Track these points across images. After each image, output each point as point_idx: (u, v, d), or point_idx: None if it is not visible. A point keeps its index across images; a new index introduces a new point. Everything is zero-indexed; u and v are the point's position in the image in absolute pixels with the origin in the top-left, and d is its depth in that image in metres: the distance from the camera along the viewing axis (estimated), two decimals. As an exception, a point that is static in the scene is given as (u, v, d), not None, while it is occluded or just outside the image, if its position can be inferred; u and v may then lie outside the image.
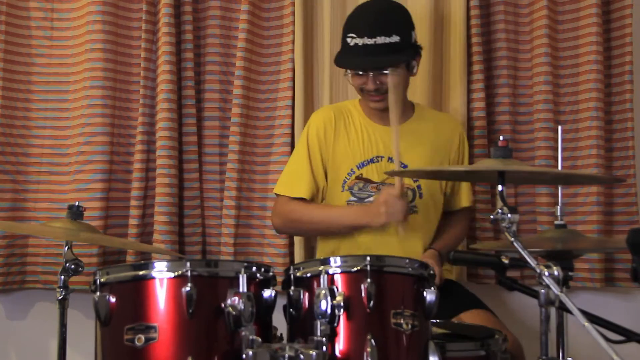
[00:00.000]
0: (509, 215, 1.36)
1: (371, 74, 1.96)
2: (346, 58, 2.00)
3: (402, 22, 2.01)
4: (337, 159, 2.07)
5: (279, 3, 2.53)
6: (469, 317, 1.91)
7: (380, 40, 1.93)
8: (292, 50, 2.46)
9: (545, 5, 2.42)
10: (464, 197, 2.18)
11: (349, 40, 1.97)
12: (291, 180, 2.10)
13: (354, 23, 2.00)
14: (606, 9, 2.49)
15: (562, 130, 1.75)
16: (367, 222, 1.94)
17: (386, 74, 1.96)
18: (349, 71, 2.02)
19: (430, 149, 2.10)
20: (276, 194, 2.14)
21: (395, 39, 1.95)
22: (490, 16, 2.53)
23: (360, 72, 1.99)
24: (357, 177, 2.05)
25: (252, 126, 2.50)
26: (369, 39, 1.94)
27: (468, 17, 2.46)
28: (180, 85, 2.48)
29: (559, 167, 1.75)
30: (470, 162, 2.36)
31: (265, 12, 2.54)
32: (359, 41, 1.94)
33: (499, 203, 1.39)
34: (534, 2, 2.48)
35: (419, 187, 2.06)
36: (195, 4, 2.53)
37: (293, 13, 2.46)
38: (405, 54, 2.00)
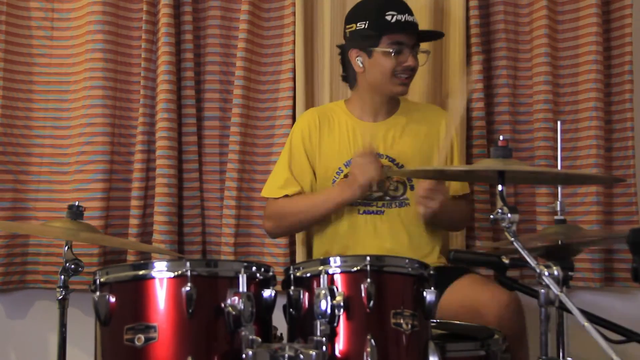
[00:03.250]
0: (509, 215, 1.36)
1: (409, 50, 2.03)
2: (390, 29, 2.02)
3: None
4: (324, 159, 2.10)
5: (279, 3, 2.53)
6: (463, 283, 1.91)
7: (416, 20, 2.07)
8: (292, 51, 2.46)
9: (545, 5, 2.42)
10: (458, 185, 2.14)
11: (388, 17, 2.01)
12: (273, 182, 2.14)
13: (390, 3, 2.05)
14: (606, 9, 2.49)
15: (562, 130, 1.75)
16: (350, 193, 1.96)
17: (424, 52, 2.07)
18: (377, 53, 2.02)
19: (418, 139, 2.12)
20: (265, 199, 2.17)
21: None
22: (490, 16, 2.53)
23: (403, 42, 2.02)
24: (346, 175, 2.05)
25: (253, 126, 2.50)
26: (410, 17, 2.04)
27: (468, 17, 2.46)
28: (180, 85, 2.48)
29: (559, 165, 1.75)
30: (470, 162, 2.37)
31: (265, 12, 2.54)
32: (402, 17, 2.02)
33: (499, 203, 1.39)
34: (533, 2, 2.48)
35: (409, 179, 2.07)
36: (195, 4, 2.53)
37: (293, 13, 2.46)
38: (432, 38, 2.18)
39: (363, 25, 2.04)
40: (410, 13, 2.04)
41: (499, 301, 1.77)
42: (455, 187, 2.14)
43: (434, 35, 2.21)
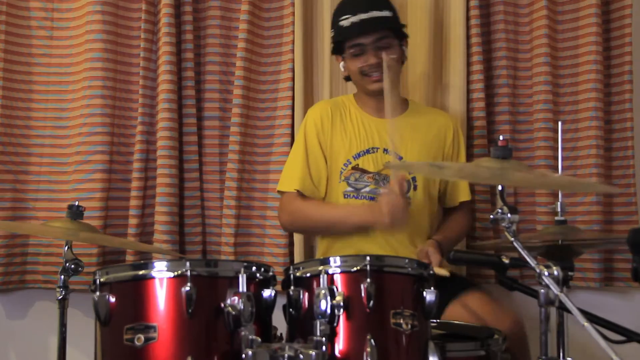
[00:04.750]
0: (509, 215, 1.36)
1: (371, 48, 2.03)
2: (345, 35, 2.05)
3: (389, 1, 2.11)
4: (334, 151, 2.10)
5: (279, 3, 2.53)
6: (468, 302, 1.90)
7: (375, 14, 2.03)
8: (292, 51, 2.46)
9: (544, 5, 2.42)
10: (462, 191, 2.18)
11: (342, 23, 2.04)
12: (288, 175, 2.13)
13: (345, 6, 2.08)
14: (606, 9, 2.49)
15: (562, 130, 1.75)
16: (373, 221, 1.92)
17: (385, 48, 2.04)
18: (346, 57, 2.08)
19: (425, 142, 2.14)
20: (279, 192, 2.15)
21: (387, 13, 2.05)
22: (490, 16, 2.53)
23: (362, 43, 2.03)
24: (354, 168, 2.08)
25: (253, 126, 2.50)
26: (364, 14, 2.01)
27: (468, 18, 2.46)
28: (180, 85, 2.48)
29: (559, 164, 1.75)
30: (470, 162, 2.36)
31: (265, 12, 2.54)
32: (355, 18, 2.02)
33: (499, 203, 1.39)
34: (533, 2, 2.48)
35: (413, 179, 2.09)
36: (195, 4, 2.53)
37: (293, 13, 2.46)
38: (400, 26, 2.10)
39: (332, 34, 2.12)
40: (366, 9, 2.02)
41: (503, 326, 1.74)
42: (460, 193, 2.17)
43: (393, 23, 2.12)
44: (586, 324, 1.20)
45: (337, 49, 2.13)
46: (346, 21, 2.03)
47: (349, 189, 2.07)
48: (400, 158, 2.09)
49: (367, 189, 2.06)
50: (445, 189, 2.17)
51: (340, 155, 2.09)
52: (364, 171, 2.08)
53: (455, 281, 2.01)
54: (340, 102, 2.19)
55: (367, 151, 2.09)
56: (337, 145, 2.10)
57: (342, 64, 2.13)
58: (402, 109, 2.18)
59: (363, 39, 2.03)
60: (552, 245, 1.62)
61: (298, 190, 2.08)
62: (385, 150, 2.09)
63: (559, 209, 1.61)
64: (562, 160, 1.77)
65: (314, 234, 2.34)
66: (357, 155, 2.08)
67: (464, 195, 2.18)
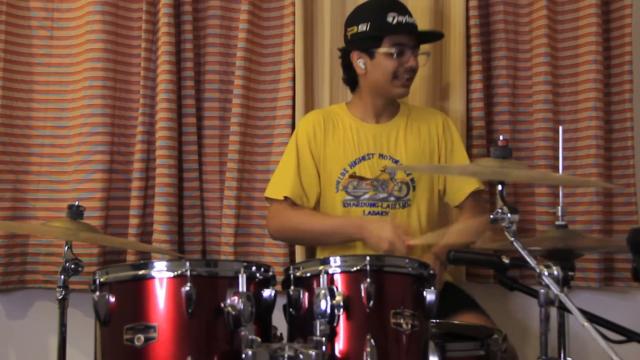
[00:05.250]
0: (509, 215, 1.36)
1: (411, 52, 2.04)
2: (391, 30, 2.02)
3: None
4: (329, 161, 2.10)
5: (279, 3, 2.54)
6: (462, 319, 1.88)
7: (415, 22, 2.07)
8: (292, 50, 2.46)
9: (544, 5, 2.42)
10: (467, 182, 2.13)
11: (390, 19, 2.02)
12: (278, 182, 2.12)
13: (391, 5, 2.06)
14: (606, 9, 2.49)
15: (562, 130, 1.75)
16: (366, 240, 1.91)
17: (423, 54, 2.08)
18: (378, 55, 2.02)
19: (419, 141, 2.13)
20: (267, 198, 2.14)
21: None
22: (490, 16, 2.53)
23: (405, 44, 2.03)
24: (351, 176, 2.07)
25: (252, 126, 2.50)
26: (410, 18, 2.05)
27: (467, 17, 2.46)
28: (180, 84, 2.49)
29: (560, 168, 1.74)
30: (470, 162, 2.36)
31: (265, 12, 2.54)
32: (402, 19, 2.03)
33: (499, 203, 1.38)
34: (533, 2, 2.48)
35: (412, 180, 2.08)
36: (195, 3, 2.53)
37: (293, 13, 2.46)
38: (439, 38, 2.20)
39: (365, 27, 2.05)
40: (410, 15, 2.05)
41: None
42: (465, 185, 2.12)
43: (433, 36, 2.20)
44: (586, 324, 1.20)
45: (368, 44, 2.04)
46: (393, 19, 2.01)
47: (348, 197, 2.06)
48: (397, 162, 2.09)
49: (367, 195, 2.06)
50: (444, 186, 2.15)
51: (336, 165, 2.08)
52: (361, 178, 2.07)
53: (452, 300, 1.99)
54: (332, 111, 2.18)
55: (363, 158, 2.09)
56: (331, 155, 2.09)
57: (361, 61, 2.06)
58: (394, 111, 2.17)
59: (408, 40, 2.03)
60: (552, 249, 1.61)
61: (288, 198, 2.06)
62: (381, 156, 2.09)
63: (559, 213, 1.61)
64: (562, 161, 1.76)
65: (302, 243, 2.31)
66: (354, 163, 2.08)
67: (470, 185, 2.12)
